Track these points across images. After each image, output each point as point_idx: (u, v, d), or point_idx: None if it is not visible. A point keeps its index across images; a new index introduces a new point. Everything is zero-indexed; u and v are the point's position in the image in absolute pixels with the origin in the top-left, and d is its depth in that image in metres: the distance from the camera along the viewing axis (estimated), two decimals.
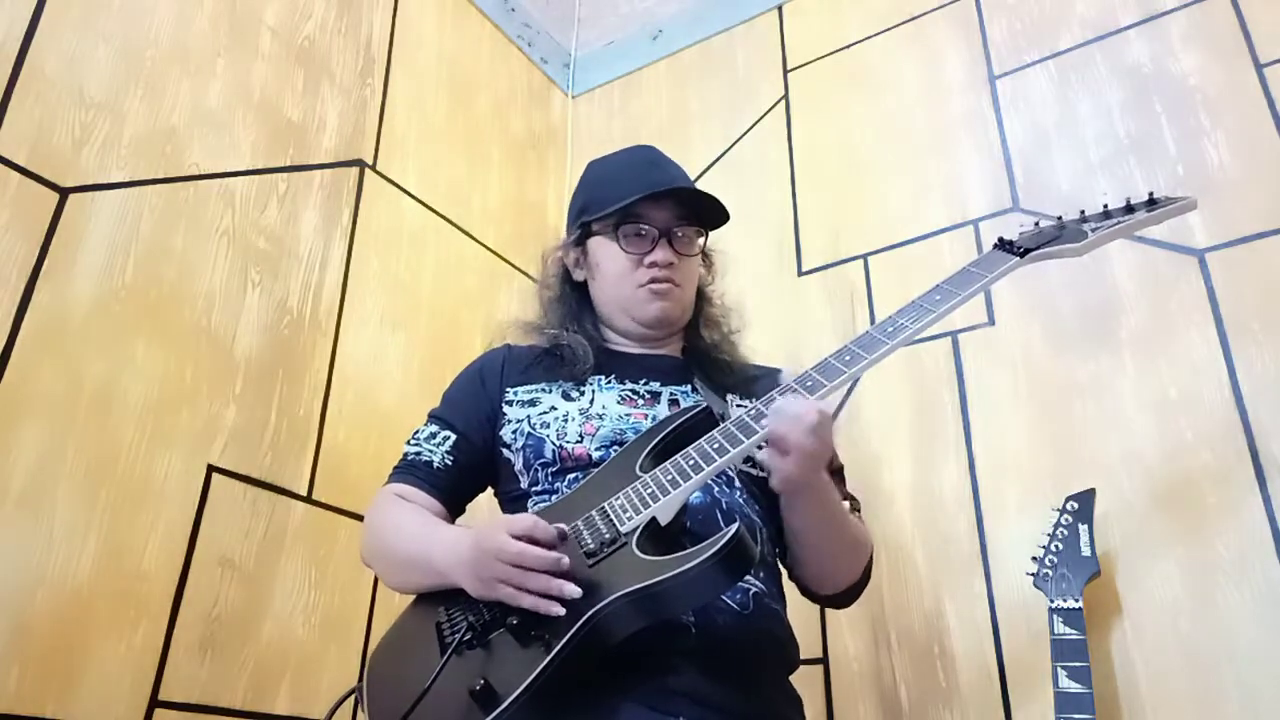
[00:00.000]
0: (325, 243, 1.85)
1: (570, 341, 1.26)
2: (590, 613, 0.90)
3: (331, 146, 1.93)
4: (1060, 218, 1.20)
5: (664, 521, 0.98)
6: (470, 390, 1.28)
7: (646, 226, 1.26)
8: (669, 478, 1.01)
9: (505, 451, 1.21)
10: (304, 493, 1.67)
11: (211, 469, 1.54)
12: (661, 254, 1.25)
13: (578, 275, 1.34)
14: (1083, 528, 1.45)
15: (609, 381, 1.24)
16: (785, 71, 2.33)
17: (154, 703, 1.38)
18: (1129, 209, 1.16)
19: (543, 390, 1.24)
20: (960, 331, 1.80)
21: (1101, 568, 1.42)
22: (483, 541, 0.98)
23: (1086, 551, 1.42)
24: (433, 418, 1.27)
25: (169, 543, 1.46)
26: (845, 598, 1.22)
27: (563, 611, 0.91)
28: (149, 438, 1.47)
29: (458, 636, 0.95)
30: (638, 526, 0.97)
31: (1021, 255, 1.13)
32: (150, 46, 1.63)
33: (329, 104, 1.95)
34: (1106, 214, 1.17)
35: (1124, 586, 1.50)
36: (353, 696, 1.04)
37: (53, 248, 1.41)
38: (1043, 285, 1.74)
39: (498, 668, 0.91)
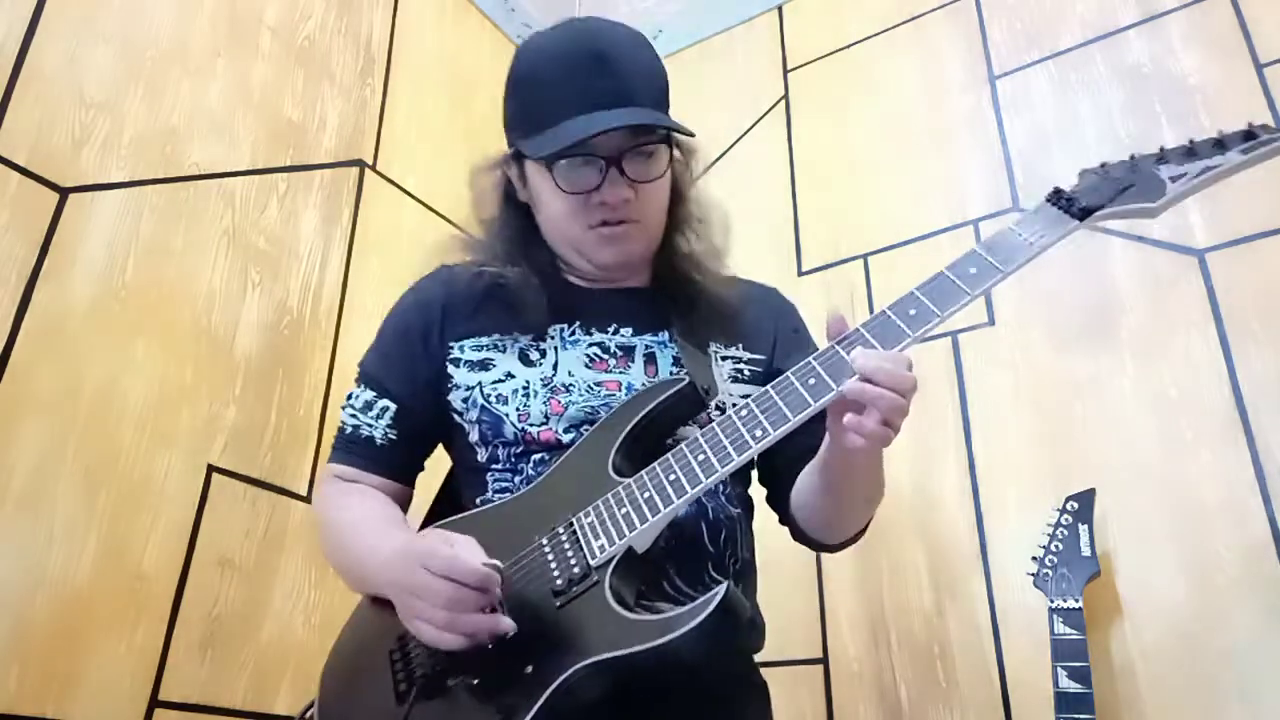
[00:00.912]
0: (325, 243, 1.85)
1: (519, 280, 1.05)
2: (557, 682, 0.81)
3: (331, 146, 1.93)
4: (1133, 156, 0.95)
5: (640, 550, 0.88)
6: (405, 346, 1.09)
7: (591, 156, 0.99)
8: (646, 496, 0.87)
9: (457, 418, 1.05)
10: (304, 493, 1.67)
11: (211, 469, 1.54)
12: (612, 192, 1.00)
13: (522, 196, 1.10)
14: (1083, 528, 1.45)
15: (572, 333, 1.06)
16: (785, 71, 2.33)
17: (154, 703, 1.38)
18: (1219, 144, 0.91)
19: (494, 348, 1.05)
20: (960, 331, 1.80)
21: (1101, 568, 1.42)
22: (402, 577, 0.86)
23: (1086, 551, 1.42)
24: (366, 379, 1.10)
25: (169, 543, 1.46)
26: (851, 542, 1.09)
27: (489, 644, 0.83)
28: (149, 438, 1.47)
29: (413, 687, 0.87)
30: (611, 558, 0.86)
31: (1081, 218, 0.90)
32: (150, 46, 1.63)
33: (329, 104, 1.95)
34: (1190, 151, 0.91)
35: (1124, 586, 1.50)
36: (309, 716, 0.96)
37: (53, 248, 1.41)
38: (1043, 285, 1.74)
39: None
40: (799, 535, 1.10)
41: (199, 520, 1.50)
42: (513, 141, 1.07)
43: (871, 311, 1.92)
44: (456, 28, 2.40)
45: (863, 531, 1.08)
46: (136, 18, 1.62)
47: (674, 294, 1.09)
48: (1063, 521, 1.47)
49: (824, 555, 1.61)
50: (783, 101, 2.30)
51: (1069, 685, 1.31)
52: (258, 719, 1.51)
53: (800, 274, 2.08)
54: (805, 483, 1.03)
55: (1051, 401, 1.67)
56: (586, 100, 0.98)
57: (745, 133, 2.32)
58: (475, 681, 0.84)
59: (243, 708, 1.49)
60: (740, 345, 1.10)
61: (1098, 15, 1.91)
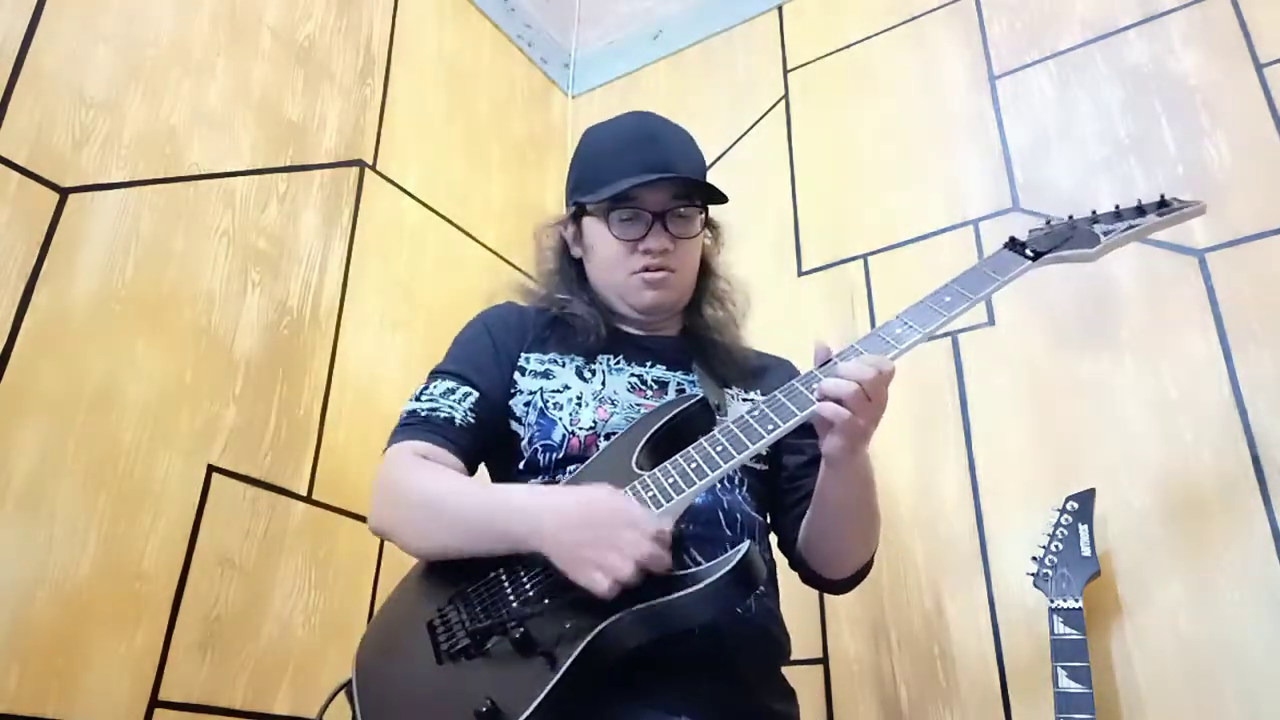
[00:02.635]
0: (325, 243, 1.85)
1: (581, 311, 1.22)
2: (597, 629, 0.89)
3: (331, 146, 1.93)
4: (1071, 216, 1.18)
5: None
6: (486, 347, 1.21)
7: (640, 210, 1.19)
8: (670, 481, 0.98)
9: (514, 423, 1.18)
10: (304, 493, 1.67)
11: (211, 469, 1.54)
12: (656, 241, 1.19)
13: (575, 252, 1.29)
14: (1083, 528, 1.45)
15: (617, 362, 1.21)
16: (785, 71, 2.33)
17: (154, 703, 1.38)
18: (1140, 210, 1.15)
19: (556, 363, 1.20)
20: (960, 331, 1.80)
21: (1101, 568, 1.42)
22: (595, 522, 0.93)
23: (1086, 551, 1.42)
24: (445, 374, 1.19)
25: (169, 543, 1.46)
26: (853, 581, 1.21)
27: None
28: (149, 438, 1.47)
29: (455, 645, 0.93)
30: None
31: (1034, 259, 1.12)
32: (150, 46, 1.63)
33: (329, 104, 1.95)
34: (1117, 214, 1.16)
35: (1124, 586, 1.49)
36: (343, 693, 1.01)
37: (53, 248, 1.41)
38: (1043, 285, 1.74)
39: (502, 684, 0.89)
40: (808, 575, 1.22)
41: (199, 520, 1.50)
42: (573, 201, 1.26)
43: (871, 311, 1.94)
44: (456, 28, 2.40)
45: (865, 570, 1.21)
46: (136, 18, 1.62)
47: (700, 347, 1.26)
48: (1063, 521, 1.47)
49: None
50: (783, 101, 2.30)
51: (1069, 685, 1.31)
52: (258, 719, 1.51)
53: (800, 274, 2.08)
54: (809, 519, 1.17)
55: (1051, 401, 1.67)
56: (640, 165, 1.18)
57: (745, 133, 2.32)
58: (515, 639, 0.90)
59: (243, 708, 1.49)
60: (757, 393, 1.24)
61: (1098, 15, 1.91)
